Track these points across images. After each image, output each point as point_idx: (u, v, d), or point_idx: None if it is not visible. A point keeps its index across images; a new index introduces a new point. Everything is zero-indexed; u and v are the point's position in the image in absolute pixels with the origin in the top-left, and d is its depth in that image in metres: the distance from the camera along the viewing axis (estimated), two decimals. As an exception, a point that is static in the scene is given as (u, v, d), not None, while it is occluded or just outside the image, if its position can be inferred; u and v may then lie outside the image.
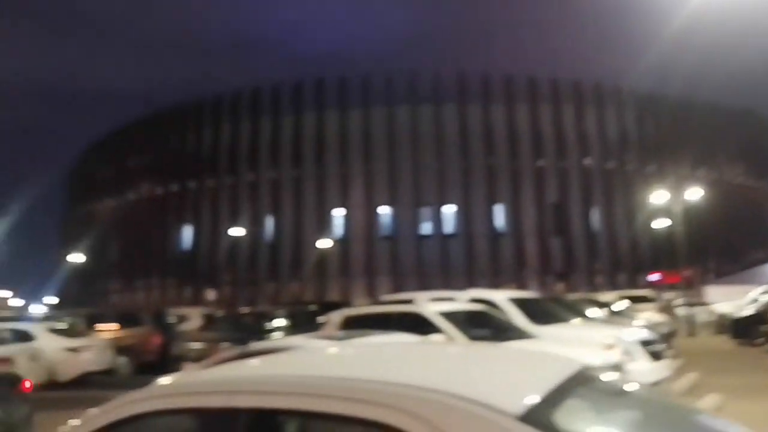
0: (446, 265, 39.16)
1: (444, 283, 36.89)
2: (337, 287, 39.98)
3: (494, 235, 39.97)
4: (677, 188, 27.92)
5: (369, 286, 39.62)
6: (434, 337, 6.84)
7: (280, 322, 17.51)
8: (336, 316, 9.23)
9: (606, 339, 7.59)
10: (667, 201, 27.61)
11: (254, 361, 2.46)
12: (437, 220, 40.63)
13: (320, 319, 9.59)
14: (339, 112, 42.09)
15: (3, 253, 45.60)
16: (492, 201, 40.14)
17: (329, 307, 20.82)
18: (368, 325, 7.26)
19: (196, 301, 38.13)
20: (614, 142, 41.82)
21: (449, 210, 40.63)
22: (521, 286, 32.29)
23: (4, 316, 23.85)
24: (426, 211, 40.84)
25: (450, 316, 7.63)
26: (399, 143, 40.58)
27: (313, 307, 20.39)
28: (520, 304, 9.29)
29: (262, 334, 16.63)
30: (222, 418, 1.71)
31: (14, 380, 9.39)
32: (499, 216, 40.48)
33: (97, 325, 17.00)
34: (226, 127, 44.81)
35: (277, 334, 16.92)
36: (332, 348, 3.85)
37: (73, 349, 13.78)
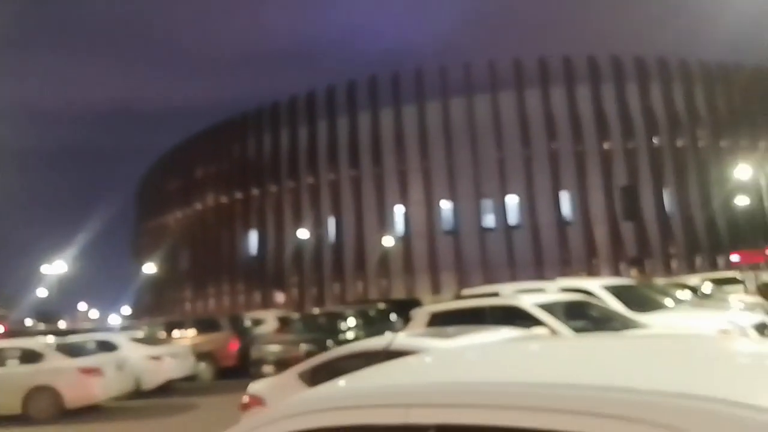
0: (512, 258, 38.31)
1: (510, 276, 36.12)
2: (401, 285, 39.74)
3: (561, 224, 38.75)
4: (757, 162, 26.31)
5: (433, 282, 39.21)
6: (536, 331, 6.40)
7: (352, 321, 17.37)
8: (421, 313, 8.90)
9: (721, 325, 6.97)
10: (746, 176, 26.05)
11: (402, 366, 2.12)
12: (500, 211, 39.71)
13: (412, 314, 9.23)
14: (394, 109, 41.80)
15: (81, 268, 47.44)
16: (557, 188, 38.92)
17: (398, 305, 20.61)
18: (457, 321, 6.90)
19: (266, 304, 38.65)
20: (684, 118, 39.88)
21: (512, 201, 39.67)
22: (592, 275, 31.16)
23: (86, 328, 24.68)
24: (488, 203, 40.02)
25: (548, 307, 7.17)
26: (456, 136, 39.92)
27: (380, 306, 20.15)
28: (615, 291, 8.74)
29: (337, 334, 16.56)
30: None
31: None
32: (565, 203, 39.22)
33: (176, 332, 17.28)
34: (285, 133, 45.29)
35: (351, 334, 16.77)
36: (475, 348, 2.85)
37: (156, 357, 13.97)
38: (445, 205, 40.76)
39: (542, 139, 39.10)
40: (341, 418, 1.56)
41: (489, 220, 40.09)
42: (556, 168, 38.87)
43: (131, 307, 59.77)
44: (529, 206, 39.01)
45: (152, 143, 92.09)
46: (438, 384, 1.59)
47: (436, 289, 37.78)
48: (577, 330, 6.72)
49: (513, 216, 39.66)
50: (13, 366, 11.82)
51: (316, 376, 5.55)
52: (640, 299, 8.89)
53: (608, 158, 39.08)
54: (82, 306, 65.76)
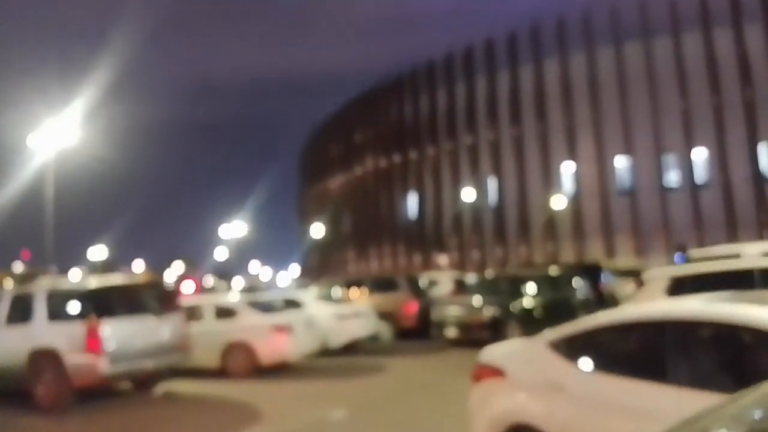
0: (699, 220, 34.38)
1: (697, 240, 32.51)
2: (570, 249, 37.42)
3: (759, 181, 33.91)
4: None
5: (606, 246, 36.48)
6: None
7: (532, 286, 16.17)
8: (657, 278, 7.46)
9: None
10: None
11: None
12: (686, 168, 35.55)
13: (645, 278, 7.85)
14: (559, 59, 38.87)
15: (253, 231, 50.36)
16: (754, 140, 34.01)
17: (580, 269, 18.94)
18: (712, 287, 5.44)
19: (426, 266, 38.35)
20: None
21: (700, 155, 35.38)
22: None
23: (258, 287, 25.70)
24: (671, 159, 36.07)
25: None
26: (632, 84, 36.21)
27: (549, 271, 18.67)
28: None
29: (520, 298, 15.47)
30: None
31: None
32: (764, 157, 34.22)
33: (353, 291, 17.14)
34: (442, 93, 44.19)
35: (533, 300, 15.56)
36: None
37: (342, 316, 13.77)
38: (620, 162, 37.44)
39: (735, 85, 34.17)
40: None
41: (672, 178, 36.20)
42: (752, 117, 33.94)
43: (299, 267, 62.97)
44: (720, 161, 34.55)
45: (313, 111, 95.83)
46: None
47: (610, 253, 35.10)
48: None
49: (700, 173, 35.42)
50: (210, 322, 12.09)
51: (572, 347, 4.51)
52: None
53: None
54: (253, 265, 70.41)
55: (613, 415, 4.02)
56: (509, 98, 40.70)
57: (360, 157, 50.87)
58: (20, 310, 9.62)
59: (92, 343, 8.73)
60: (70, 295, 9.56)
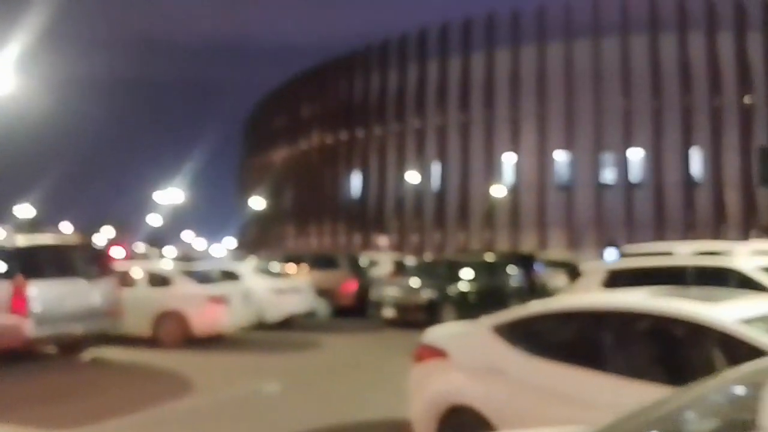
0: (630, 218, 35.75)
1: (628, 237, 33.81)
2: (506, 238, 38.24)
3: (689, 184, 35.55)
4: None
5: (540, 238, 37.43)
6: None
7: (469, 272, 16.44)
8: (594, 270, 7.70)
9: None
10: None
11: None
12: (622, 166, 36.90)
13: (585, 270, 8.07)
14: (511, 51, 39.36)
15: (188, 198, 49.04)
16: (687, 145, 35.56)
17: (514, 258, 19.35)
18: (646, 282, 5.65)
19: (365, 246, 38.42)
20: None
21: (636, 155, 36.73)
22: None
23: (192, 257, 25.09)
24: (608, 157, 37.28)
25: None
26: (578, 80, 37.09)
27: (485, 257, 19.03)
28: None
29: (457, 283, 15.67)
30: None
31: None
32: (696, 162, 35.87)
33: (290, 266, 16.98)
34: (393, 73, 44.00)
35: (469, 285, 15.82)
36: None
37: (280, 291, 13.63)
38: (560, 157, 38.43)
39: (675, 90, 35.59)
40: None
41: (608, 175, 37.43)
42: (689, 122, 35.45)
43: (236, 240, 61.88)
44: (655, 162, 35.98)
45: (261, 79, 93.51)
46: None
47: (543, 245, 36.07)
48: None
49: (636, 172, 36.78)
50: (143, 289, 11.75)
51: (515, 332, 4.58)
52: None
53: (747, 114, 35.18)
54: (187, 234, 68.66)
55: (550, 400, 4.09)
56: (460, 85, 40.96)
57: (306, 132, 50.21)
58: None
59: (18, 303, 8.31)
60: (-5, 252, 9.05)
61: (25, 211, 47.32)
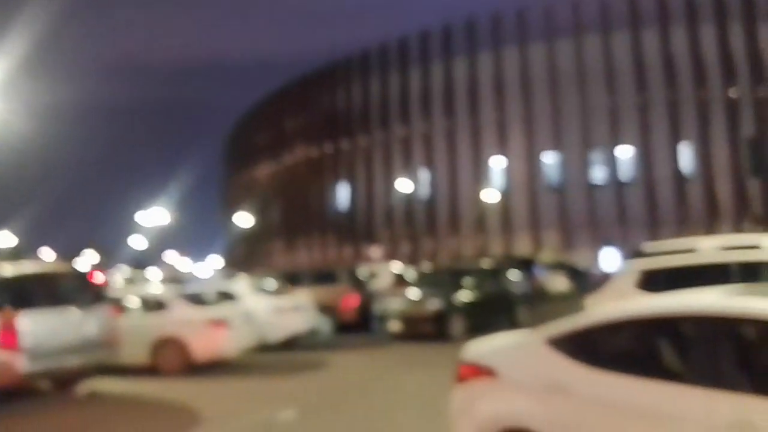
0: (623, 216, 35.56)
1: (621, 235, 33.69)
2: (499, 242, 37.91)
3: (680, 179, 35.47)
4: None
5: (534, 241, 37.14)
6: None
7: (472, 280, 16.02)
8: (628, 272, 7.26)
9: None
10: None
11: None
12: (611, 164, 36.74)
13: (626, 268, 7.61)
14: (493, 54, 39.19)
15: (173, 219, 48.14)
16: (676, 140, 35.53)
17: (515, 262, 18.97)
18: (686, 282, 5.23)
19: (357, 258, 37.85)
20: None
21: (625, 153, 36.61)
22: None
23: (180, 278, 24.33)
24: (597, 156, 37.14)
25: None
26: (562, 81, 36.97)
27: (487, 264, 18.69)
28: None
29: (458, 290, 15.22)
30: None
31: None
32: (685, 157, 35.81)
33: (293, 284, 16.37)
34: (375, 83, 43.66)
35: (472, 293, 15.35)
36: None
37: (281, 310, 13.06)
38: (549, 158, 38.22)
39: (660, 85, 35.59)
40: None
41: (598, 174, 37.26)
42: (676, 117, 35.43)
43: (223, 259, 60.95)
44: (644, 159, 35.86)
45: (241, 98, 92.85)
46: None
47: (537, 247, 35.77)
48: None
49: (625, 170, 36.63)
50: (138, 315, 11.13)
51: (576, 345, 4.12)
52: None
53: (734, 107, 35.25)
54: (170, 255, 67.33)
55: (627, 419, 3.66)
56: (443, 91, 40.71)
57: (290, 146, 49.65)
58: None
59: (8, 338, 7.68)
60: (-20, 284, 8.40)
61: (6, 239, 46.11)
